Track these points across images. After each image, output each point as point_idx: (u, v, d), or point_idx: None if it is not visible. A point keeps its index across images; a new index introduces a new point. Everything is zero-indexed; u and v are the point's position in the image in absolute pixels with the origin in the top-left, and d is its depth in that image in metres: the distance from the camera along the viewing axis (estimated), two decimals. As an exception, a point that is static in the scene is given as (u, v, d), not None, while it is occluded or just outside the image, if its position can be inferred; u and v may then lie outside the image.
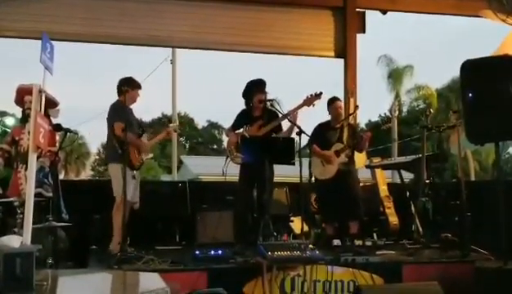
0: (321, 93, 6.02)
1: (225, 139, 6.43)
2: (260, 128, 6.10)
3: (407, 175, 7.90)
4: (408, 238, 6.67)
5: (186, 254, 5.40)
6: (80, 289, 3.44)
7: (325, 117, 6.55)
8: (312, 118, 6.64)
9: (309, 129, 6.15)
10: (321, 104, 6.25)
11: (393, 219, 7.11)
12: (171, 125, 6.31)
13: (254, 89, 6.17)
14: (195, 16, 8.04)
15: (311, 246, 4.91)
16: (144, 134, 5.89)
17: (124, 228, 5.29)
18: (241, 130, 6.25)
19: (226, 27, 8.12)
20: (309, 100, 6.00)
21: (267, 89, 6.23)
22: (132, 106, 5.89)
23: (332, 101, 6.50)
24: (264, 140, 5.95)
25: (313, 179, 6.56)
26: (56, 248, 4.68)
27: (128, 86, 5.77)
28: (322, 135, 6.39)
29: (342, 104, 6.62)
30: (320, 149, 6.33)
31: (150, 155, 5.94)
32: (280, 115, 6.14)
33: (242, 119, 6.26)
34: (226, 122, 6.54)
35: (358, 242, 6.20)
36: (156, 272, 4.04)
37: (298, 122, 5.88)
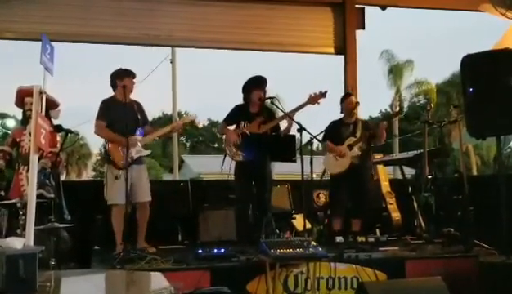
0: (326, 92, 6.01)
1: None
2: (260, 126, 6.08)
3: (409, 171, 7.89)
4: (411, 233, 6.68)
5: (189, 253, 5.40)
6: (83, 290, 3.44)
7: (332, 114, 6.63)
8: (321, 115, 6.71)
9: (315, 126, 6.18)
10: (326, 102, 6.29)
11: (396, 215, 7.11)
12: (187, 116, 6.11)
13: (253, 85, 6.16)
14: (194, 15, 8.01)
15: (313, 243, 4.90)
16: (138, 130, 5.64)
17: (124, 229, 5.36)
18: (234, 126, 6.21)
19: (224, 25, 8.09)
20: (313, 99, 6.00)
21: (267, 86, 6.24)
22: (131, 99, 5.73)
23: (345, 97, 6.67)
24: (265, 138, 5.94)
25: (326, 175, 6.61)
26: (59, 249, 4.68)
27: (118, 78, 5.70)
28: (335, 131, 6.48)
29: (353, 99, 6.68)
30: (333, 145, 6.38)
31: (146, 152, 5.71)
32: (279, 113, 6.17)
33: (238, 115, 6.23)
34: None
35: (361, 239, 6.20)
36: (159, 271, 4.05)
37: (297, 120, 5.88)
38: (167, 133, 6.17)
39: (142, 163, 5.80)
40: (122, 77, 5.69)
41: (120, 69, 5.77)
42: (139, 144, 5.64)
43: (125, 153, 5.39)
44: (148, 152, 5.76)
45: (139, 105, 5.84)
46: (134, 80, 5.77)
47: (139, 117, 5.67)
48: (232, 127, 6.24)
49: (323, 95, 6.01)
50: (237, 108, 6.28)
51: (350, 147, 6.32)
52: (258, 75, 6.27)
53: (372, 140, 6.44)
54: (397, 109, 6.60)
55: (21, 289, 2.77)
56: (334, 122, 6.60)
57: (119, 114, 5.57)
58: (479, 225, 5.69)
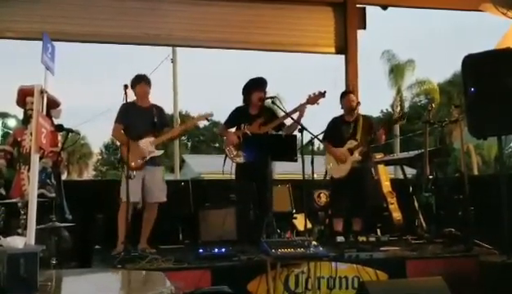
0: (325, 92, 6.00)
1: (226, 137, 6.38)
2: (260, 127, 6.08)
3: (410, 171, 7.89)
4: (412, 233, 6.67)
5: (190, 252, 5.40)
6: (84, 289, 3.44)
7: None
8: (321, 114, 6.70)
9: (315, 125, 6.16)
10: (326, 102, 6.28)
11: (397, 214, 7.11)
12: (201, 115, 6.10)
13: (253, 87, 6.15)
14: (195, 14, 8.02)
15: (314, 242, 4.90)
16: (148, 133, 5.75)
17: (127, 228, 5.39)
18: (234, 128, 6.21)
19: (225, 25, 8.09)
20: (312, 99, 5.99)
21: (268, 87, 6.24)
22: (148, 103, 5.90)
23: (344, 94, 6.62)
24: (266, 138, 5.94)
25: (328, 176, 6.63)
26: (60, 248, 4.68)
27: (131, 85, 5.80)
28: (336, 129, 6.44)
29: (354, 97, 6.65)
30: (333, 147, 6.37)
31: (158, 152, 5.79)
32: (280, 113, 6.17)
33: (238, 117, 6.23)
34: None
35: (362, 239, 6.20)
36: (160, 271, 4.05)
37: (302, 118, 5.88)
38: (180, 134, 6.26)
39: (158, 165, 5.90)
40: (134, 85, 5.85)
41: (134, 77, 5.93)
42: (151, 145, 5.74)
43: (137, 154, 5.60)
44: (161, 152, 5.85)
45: (159, 109, 5.98)
46: (145, 84, 5.91)
47: (156, 120, 5.80)
48: (233, 130, 6.25)
49: (322, 94, 5.99)
50: (237, 110, 6.27)
51: (351, 151, 6.29)
52: (258, 77, 6.26)
53: (372, 141, 6.42)
54: (400, 113, 6.52)
55: (22, 288, 2.77)
56: (335, 119, 6.57)
57: (136, 118, 5.73)
58: (480, 225, 5.69)
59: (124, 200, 5.49)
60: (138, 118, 5.77)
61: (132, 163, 5.59)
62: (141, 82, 5.90)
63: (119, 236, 5.57)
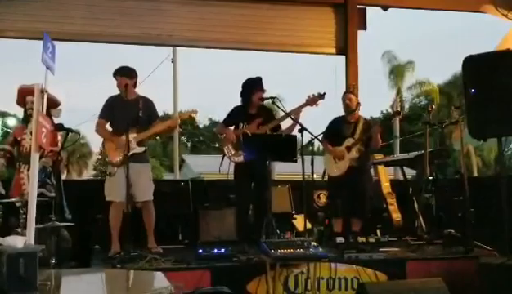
0: (324, 93, 5.98)
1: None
2: (259, 127, 6.06)
3: (410, 172, 7.89)
4: (411, 234, 6.68)
5: (189, 253, 5.41)
6: (83, 289, 3.44)
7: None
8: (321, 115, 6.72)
9: (315, 126, 6.15)
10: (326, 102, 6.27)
11: (396, 215, 7.11)
12: (184, 112, 5.99)
13: (254, 87, 6.13)
14: (196, 15, 8.01)
15: (314, 243, 4.90)
16: (132, 128, 5.50)
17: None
18: (233, 128, 6.21)
19: (225, 25, 8.09)
20: (312, 100, 5.96)
21: (266, 86, 6.23)
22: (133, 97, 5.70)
23: (344, 93, 6.63)
24: (266, 138, 5.94)
25: (326, 176, 6.61)
26: (59, 248, 4.67)
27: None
28: (336, 128, 6.43)
29: (351, 96, 6.60)
30: (331, 146, 6.36)
31: (139, 149, 5.58)
32: (278, 113, 6.16)
33: (237, 116, 6.21)
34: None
35: (361, 239, 6.20)
36: (159, 271, 4.04)
37: (300, 119, 5.87)
38: (164, 131, 6.16)
39: (143, 162, 5.72)
40: (114, 76, 5.75)
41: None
42: (133, 141, 5.52)
43: (120, 150, 5.46)
44: (142, 149, 5.65)
45: (146, 102, 5.77)
46: (121, 77, 5.69)
47: (141, 114, 5.59)
48: (231, 129, 6.24)
49: (321, 96, 5.97)
50: (235, 109, 6.25)
51: (348, 149, 6.27)
52: (255, 76, 6.22)
53: (369, 142, 6.40)
54: (398, 109, 6.52)
55: (21, 288, 2.77)
56: (335, 119, 6.56)
57: (120, 112, 5.61)
58: (480, 227, 5.69)
59: (110, 199, 5.52)
60: (123, 111, 5.58)
61: (113, 160, 5.53)
62: (116, 75, 5.72)
63: (112, 237, 5.55)
